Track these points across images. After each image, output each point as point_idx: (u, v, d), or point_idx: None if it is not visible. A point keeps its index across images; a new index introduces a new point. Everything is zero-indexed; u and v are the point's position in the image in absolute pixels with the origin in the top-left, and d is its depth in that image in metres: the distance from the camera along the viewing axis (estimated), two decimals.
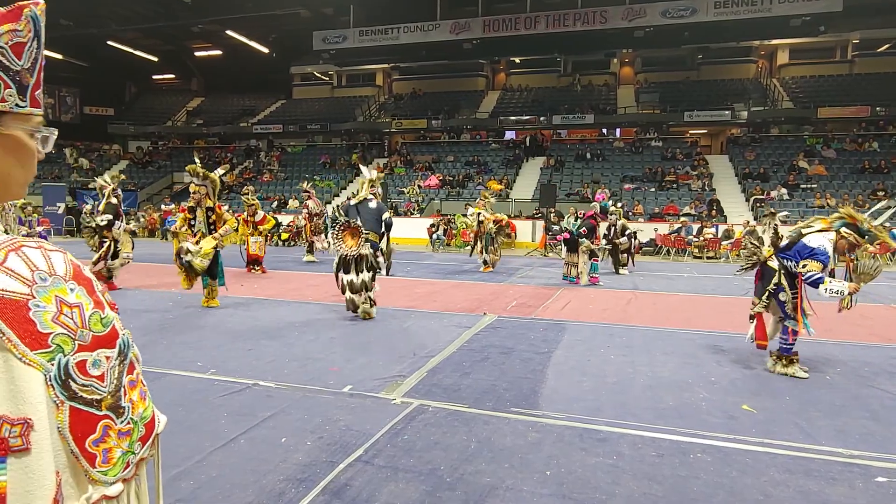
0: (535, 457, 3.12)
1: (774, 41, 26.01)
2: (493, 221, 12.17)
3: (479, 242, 12.41)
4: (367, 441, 3.27)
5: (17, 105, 0.77)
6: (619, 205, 13.21)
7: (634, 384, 4.45)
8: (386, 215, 6.86)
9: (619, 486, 2.81)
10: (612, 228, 11.65)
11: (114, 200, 8.51)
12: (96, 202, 8.88)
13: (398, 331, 6.25)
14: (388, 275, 7.30)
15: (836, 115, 22.87)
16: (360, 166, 8.15)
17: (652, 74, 28.37)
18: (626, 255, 12.34)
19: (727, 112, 23.62)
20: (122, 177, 9.47)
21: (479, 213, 12.34)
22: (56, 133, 0.86)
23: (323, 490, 2.71)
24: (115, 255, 8.51)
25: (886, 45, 25.12)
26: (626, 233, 12.03)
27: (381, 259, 6.89)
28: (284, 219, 20.31)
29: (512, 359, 5.11)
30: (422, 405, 3.89)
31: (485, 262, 12.28)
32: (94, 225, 8.55)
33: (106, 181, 8.77)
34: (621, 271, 12.15)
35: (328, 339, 5.80)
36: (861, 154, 21.58)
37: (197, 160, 7.24)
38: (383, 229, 6.88)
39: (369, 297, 6.77)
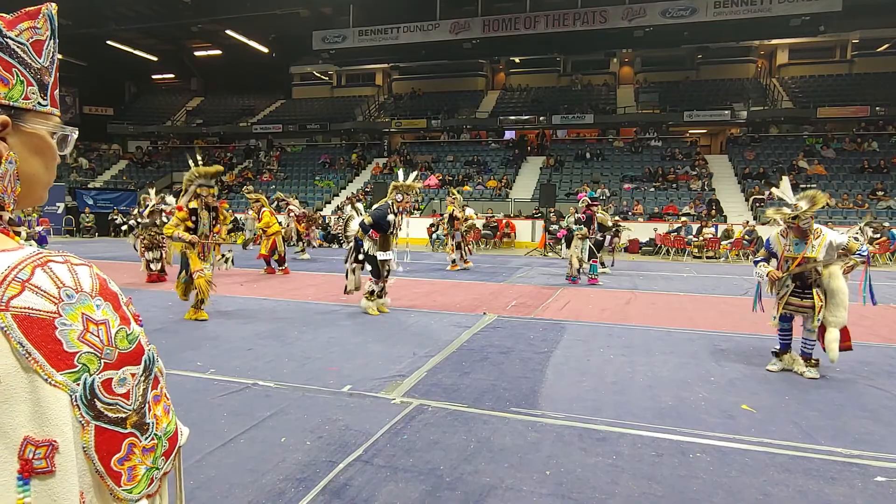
0: (534, 456, 3.12)
1: (774, 41, 26.03)
2: (465, 220, 12.52)
3: (451, 240, 12.59)
4: (366, 441, 3.27)
5: (39, 103, 0.77)
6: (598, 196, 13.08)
7: (634, 384, 4.45)
8: (361, 219, 7.16)
9: (619, 485, 2.81)
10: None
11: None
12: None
13: (398, 330, 6.25)
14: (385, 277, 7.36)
15: (836, 114, 22.87)
16: (399, 171, 7.87)
17: (651, 74, 28.36)
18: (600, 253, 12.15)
19: (727, 112, 23.61)
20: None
21: (452, 211, 12.54)
22: (76, 133, 0.85)
23: (322, 490, 2.71)
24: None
25: (886, 45, 25.12)
26: (598, 228, 11.51)
27: (361, 258, 7.12)
28: (281, 219, 20.31)
29: (511, 358, 5.12)
30: (421, 405, 3.89)
31: (453, 262, 12.42)
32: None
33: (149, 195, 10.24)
34: (601, 270, 12.05)
35: (327, 338, 5.80)
36: (860, 154, 21.60)
37: (199, 158, 7.10)
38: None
39: (370, 292, 7.10)
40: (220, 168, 7.01)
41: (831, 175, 20.63)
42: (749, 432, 3.50)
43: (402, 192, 7.11)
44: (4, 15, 0.75)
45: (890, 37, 24.46)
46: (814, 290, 4.74)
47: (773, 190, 5.04)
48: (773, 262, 5.02)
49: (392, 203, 7.05)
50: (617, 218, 14.56)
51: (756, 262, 5.12)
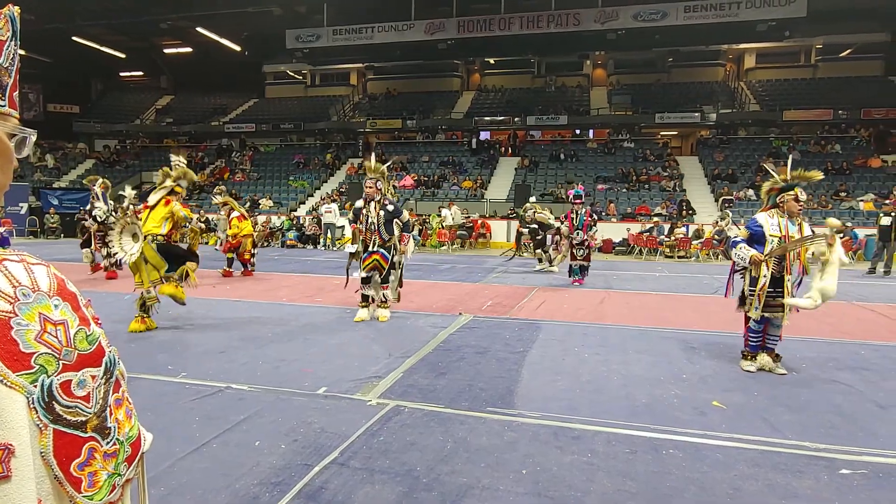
0: (510, 456, 3.13)
1: (742, 45, 26.66)
2: None
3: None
4: (342, 443, 3.24)
5: None
6: (532, 200, 13.74)
7: (608, 382, 4.51)
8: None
9: (594, 483, 2.84)
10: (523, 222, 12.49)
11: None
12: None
13: (373, 331, 6.21)
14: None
15: (801, 117, 23.54)
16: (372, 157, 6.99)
17: (624, 76, 28.80)
18: (539, 249, 12.75)
19: (697, 114, 24.12)
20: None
21: None
22: (35, 135, 0.83)
23: (298, 493, 2.68)
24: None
25: (848, 51, 25.95)
26: (539, 227, 12.56)
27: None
28: (259, 219, 20.10)
29: (487, 358, 5.13)
30: (398, 406, 3.87)
31: None
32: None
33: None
34: (543, 266, 12.56)
35: (302, 340, 5.74)
36: (824, 156, 22.22)
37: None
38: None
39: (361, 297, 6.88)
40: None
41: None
42: (720, 428, 3.57)
43: (368, 178, 6.68)
44: None
45: (852, 42, 25.29)
46: (785, 283, 4.75)
47: (766, 165, 5.10)
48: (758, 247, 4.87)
49: (364, 185, 6.75)
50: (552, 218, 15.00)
51: (735, 244, 4.92)
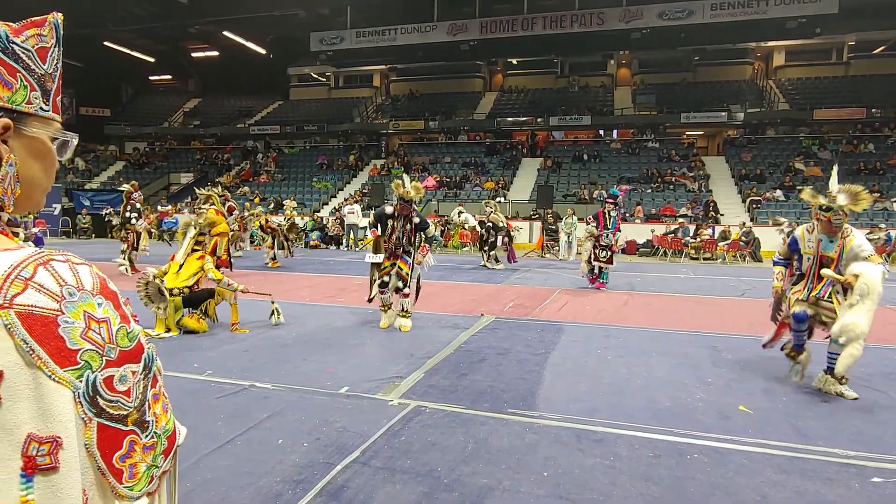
0: (532, 458, 3.12)
1: (770, 43, 26.11)
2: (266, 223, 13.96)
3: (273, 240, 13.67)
4: (364, 442, 3.26)
5: (41, 108, 0.79)
6: (498, 200, 14.51)
7: (631, 385, 4.46)
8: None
9: (616, 486, 2.82)
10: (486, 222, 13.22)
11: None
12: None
13: (395, 333, 6.24)
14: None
15: (832, 116, 22.95)
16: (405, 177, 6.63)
17: (649, 76, 28.44)
18: (488, 248, 13.22)
19: (724, 113, 23.68)
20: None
21: (266, 221, 13.92)
22: (77, 139, 0.86)
23: (320, 492, 2.70)
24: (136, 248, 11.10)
25: (882, 47, 25.22)
26: (488, 227, 13.13)
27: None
28: (278, 220, 20.37)
29: (509, 360, 5.12)
30: (419, 406, 3.88)
31: (273, 258, 13.11)
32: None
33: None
34: (489, 264, 13.10)
35: (324, 340, 5.79)
36: (856, 155, 21.66)
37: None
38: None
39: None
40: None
41: (827, 177, 20.64)
42: (746, 433, 3.50)
43: (404, 201, 6.34)
44: (11, 24, 0.76)
45: (886, 39, 24.56)
46: (833, 297, 4.44)
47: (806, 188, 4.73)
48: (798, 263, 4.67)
49: (396, 202, 6.49)
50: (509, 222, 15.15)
51: (774, 262, 4.92)
